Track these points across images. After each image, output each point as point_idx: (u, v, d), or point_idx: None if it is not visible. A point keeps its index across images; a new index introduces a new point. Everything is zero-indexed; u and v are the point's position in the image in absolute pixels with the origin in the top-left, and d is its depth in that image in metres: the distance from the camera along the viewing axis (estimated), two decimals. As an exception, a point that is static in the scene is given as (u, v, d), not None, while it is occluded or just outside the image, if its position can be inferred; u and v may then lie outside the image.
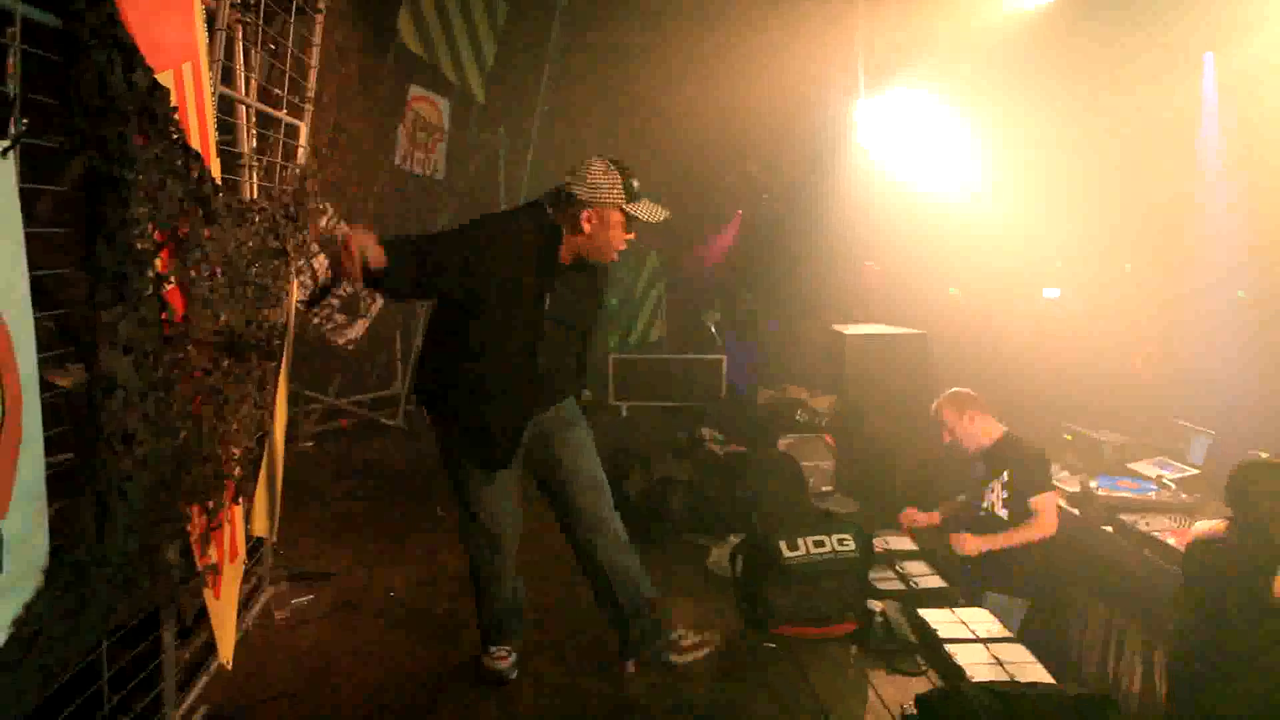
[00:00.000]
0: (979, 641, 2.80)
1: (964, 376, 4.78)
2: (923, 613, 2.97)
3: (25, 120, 1.40)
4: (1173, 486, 4.02)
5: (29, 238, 1.40)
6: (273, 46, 3.08)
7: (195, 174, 1.97)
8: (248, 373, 2.48)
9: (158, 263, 1.81)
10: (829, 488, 4.52)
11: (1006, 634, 2.89)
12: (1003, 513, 3.47)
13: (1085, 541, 3.84)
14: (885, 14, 5.94)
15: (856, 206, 6.54)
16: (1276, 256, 4.50)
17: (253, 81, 2.91)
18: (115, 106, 1.60)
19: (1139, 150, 5.07)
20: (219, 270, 2.20)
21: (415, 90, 6.40)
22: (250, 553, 2.96)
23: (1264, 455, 2.97)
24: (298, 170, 3.12)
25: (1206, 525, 2.87)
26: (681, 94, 7.00)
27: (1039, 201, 5.49)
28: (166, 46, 1.98)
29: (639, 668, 2.72)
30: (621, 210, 2.44)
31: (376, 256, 2.21)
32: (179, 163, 1.89)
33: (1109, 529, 3.75)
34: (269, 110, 3.02)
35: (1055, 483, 4.17)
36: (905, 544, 3.67)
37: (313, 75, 3.29)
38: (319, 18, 3.28)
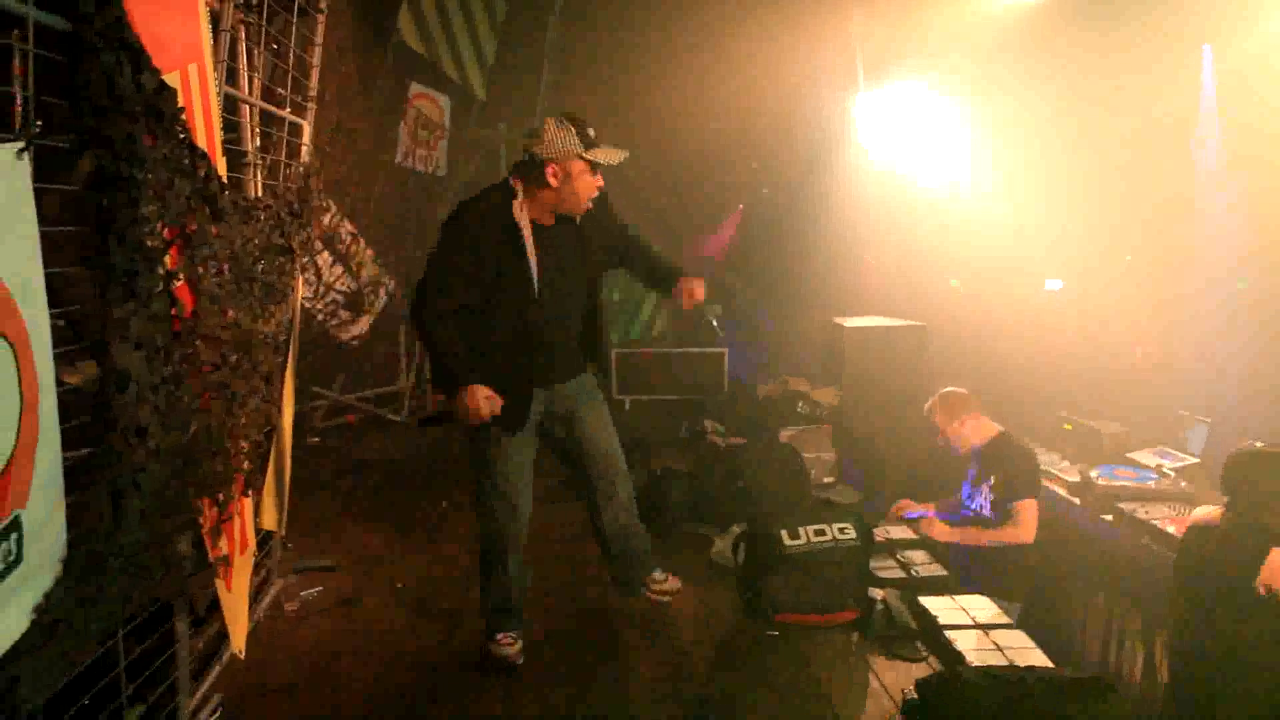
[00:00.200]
0: (978, 628, 2.84)
1: (965, 368, 4.82)
2: (923, 600, 3.00)
3: (39, 122, 1.43)
4: (1172, 475, 4.04)
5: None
6: (275, 46, 3.12)
7: (202, 172, 2.00)
8: (255, 368, 2.52)
9: (167, 260, 1.85)
10: (830, 479, 4.55)
11: (1006, 620, 2.92)
12: (989, 514, 3.47)
13: (1085, 530, 3.87)
14: (883, 7, 5.94)
15: (856, 200, 6.55)
16: (1276, 245, 4.51)
17: (256, 81, 2.94)
18: (124, 107, 1.64)
19: (1139, 141, 5.08)
20: (226, 267, 2.24)
21: (416, 88, 6.44)
22: (259, 546, 3.01)
23: (1259, 444, 2.99)
24: (301, 168, 3.16)
25: (1204, 512, 2.89)
26: (680, 89, 7.01)
27: (1040, 193, 5.50)
28: (172, 47, 2.01)
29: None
30: (581, 158, 2.58)
31: (492, 402, 2.56)
32: (186, 162, 1.92)
33: (1108, 518, 3.78)
34: (273, 109, 3.06)
35: (1056, 472, 4.22)
36: (906, 533, 3.69)
37: (315, 74, 3.32)
38: (321, 17, 3.31)
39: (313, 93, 3.32)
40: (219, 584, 2.38)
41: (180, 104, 1.86)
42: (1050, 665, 2.60)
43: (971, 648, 2.69)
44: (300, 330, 3.26)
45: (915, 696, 2.36)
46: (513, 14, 7.01)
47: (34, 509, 1.42)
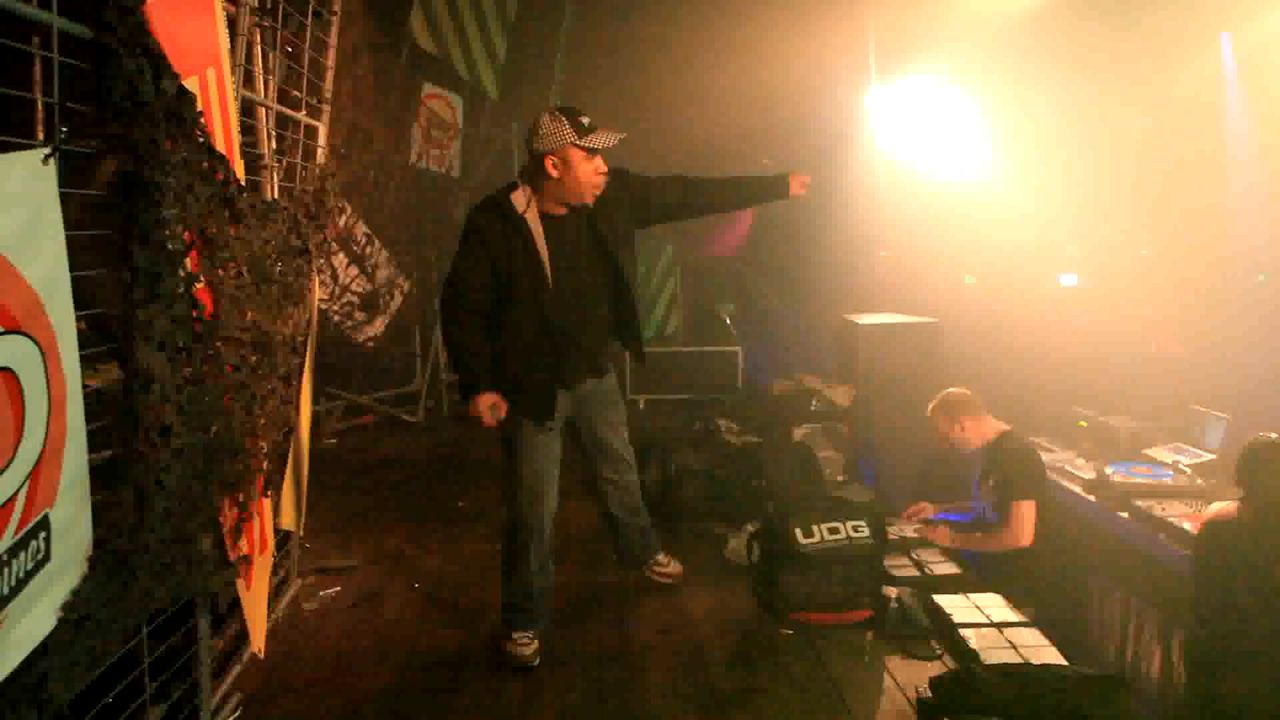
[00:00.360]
0: (992, 626, 2.83)
1: (979, 365, 4.80)
2: (937, 598, 3.00)
3: (64, 128, 1.45)
4: (1189, 472, 4.01)
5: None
6: (290, 49, 3.15)
7: (221, 176, 2.02)
8: (274, 368, 2.55)
9: (188, 262, 1.87)
10: (844, 477, 4.55)
11: (1020, 618, 2.92)
12: (993, 516, 3.42)
13: (1101, 528, 3.85)
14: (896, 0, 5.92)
15: (869, 195, 6.53)
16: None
17: (272, 84, 2.97)
18: (145, 112, 1.66)
19: (1156, 134, 5.03)
20: (245, 269, 2.26)
21: (429, 88, 6.47)
22: (278, 546, 3.04)
23: (1274, 435, 2.96)
24: (317, 170, 3.18)
25: (1219, 506, 2.87)
26: (692, 85, 7.01)
27: (1055, 188, 5.46)
28: (191, 52, 2.03)
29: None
30: (577, 146, 2.63)
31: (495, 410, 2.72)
32: (206, 165, 1.95)
33: (1124, 515, 3.75)
34: (288, 112, 3.09)
35: (1071, 469, 4.19)
36: (919, 532, 3.69)
37: (329, 76, 3.35)
38: (334, 20, 3.33)
39: (327, 95, 3.34)
40: (239, 583, 2.41)
41: (199, 108, 1.88)
42: (1065, 663, 2.59)
43: (986, 646, 2.69)
44: (317, 331, 3.28)
45: (930, 694, 2.37)
46: (524, 13, 7.02)
47: (62, 508, 1.45)
